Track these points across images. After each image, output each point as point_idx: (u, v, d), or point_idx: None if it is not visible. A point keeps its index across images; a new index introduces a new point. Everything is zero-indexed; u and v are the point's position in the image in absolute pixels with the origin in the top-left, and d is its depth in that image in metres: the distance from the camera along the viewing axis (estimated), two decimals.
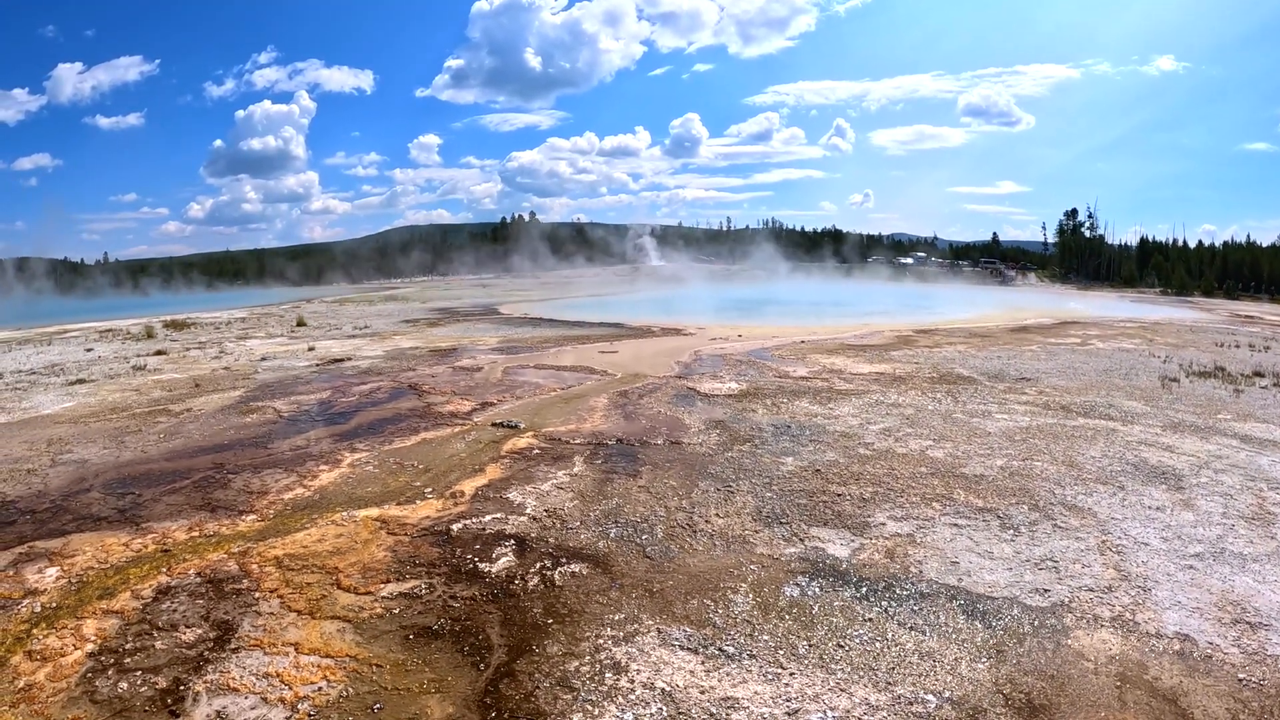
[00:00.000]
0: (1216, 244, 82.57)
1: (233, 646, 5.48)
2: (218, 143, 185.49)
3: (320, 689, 4.95)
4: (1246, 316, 40.14)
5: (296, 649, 5.42)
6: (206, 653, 5.40)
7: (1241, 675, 5.31)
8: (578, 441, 10.70)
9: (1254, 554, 7.21)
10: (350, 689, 4.95)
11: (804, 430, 11.32)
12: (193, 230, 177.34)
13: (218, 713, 4.73)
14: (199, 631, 5.69)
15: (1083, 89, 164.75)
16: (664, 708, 4.78)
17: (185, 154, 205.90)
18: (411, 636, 5.63)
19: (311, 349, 21.51)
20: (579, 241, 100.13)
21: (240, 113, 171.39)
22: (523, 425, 11.56)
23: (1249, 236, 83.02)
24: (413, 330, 27.05)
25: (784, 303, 42.38)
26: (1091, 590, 6.47)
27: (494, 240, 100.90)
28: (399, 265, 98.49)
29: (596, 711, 4.73)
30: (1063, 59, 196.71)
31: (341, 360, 19.11)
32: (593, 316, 31.72)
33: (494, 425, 11.59)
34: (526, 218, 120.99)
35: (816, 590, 6.42)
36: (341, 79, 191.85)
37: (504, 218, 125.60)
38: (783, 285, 64.50)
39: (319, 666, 5.20)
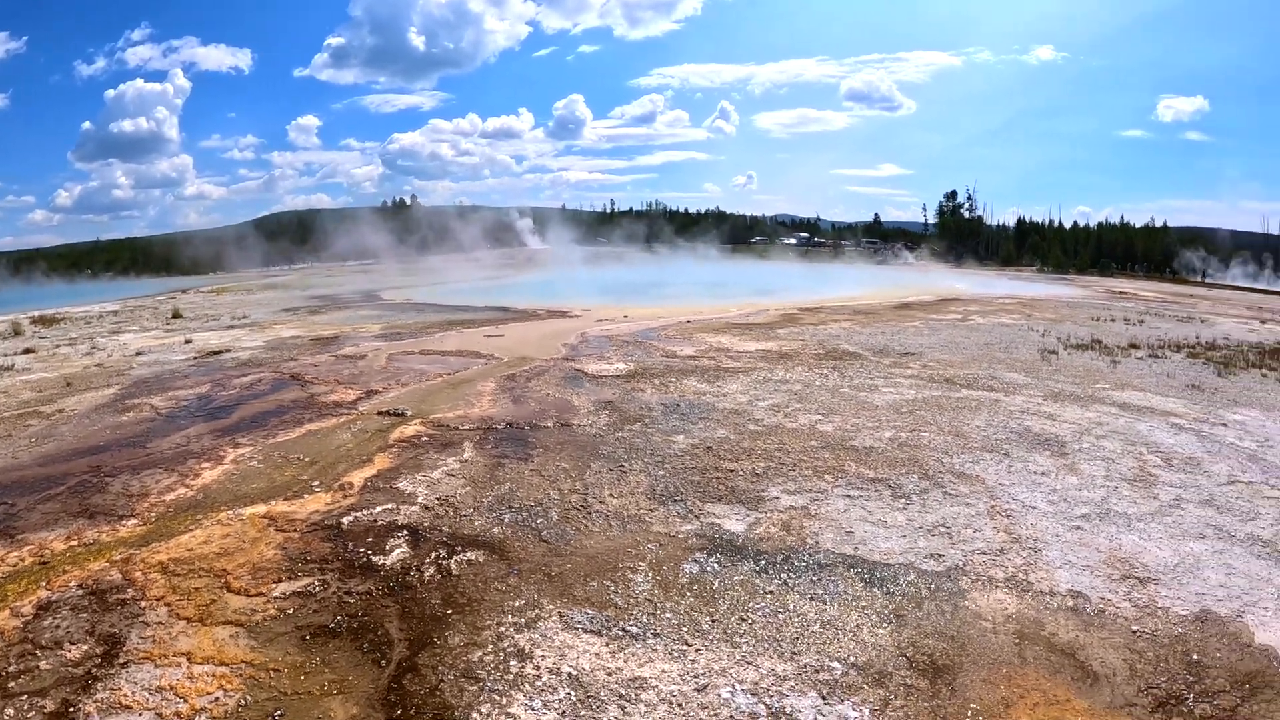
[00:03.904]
0: (1092, 225, 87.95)
1: (122, 661, 5.33)
2: (87, 125, 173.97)
3: (217, 699, 4.89)
4: (1121, 292, 42.68)
5: (189, 659, 5.32)
6: (95, 670, 5.24)
7: (1135, 627, 5.82)
8: (467, 427, 10.70)
9: (1138, 513, 7.85)
10: (248, 697, 4.91)
11: (694, 408, 11.60)
12: (61, 219, 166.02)
13: None
14: (85, 648, 5.51)
15: (964, 76, 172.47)
16: (571, 692, 4.91)
17: (53, 138, 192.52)
18: (308, 637, 5.60)
19: (188, 341, 20.75)
20: (463, 225, 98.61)
21: (110, 93, 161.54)
22: (410, 413, 11.48)
23: (1123, 218, 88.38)
24: (293, 319, 26.37)
25: (670, 284, 42.78)
26: (984, 553, 6.93)
27: (376, 225, 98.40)
28: (278, 252, 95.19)
29: (504, 701, 4.83)
30: (944, 47, 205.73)
31: (220, 352, 18.52)
32: (477, 300, 31.49)
33: (380, 414, 11.48)
34: (409, 201, 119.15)
35: (716, 566, 6.67)
36: (218, 57, 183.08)
37: (385, 201, 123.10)
38: (668, 267, 65.08)
39: (214, 675, 5.13)
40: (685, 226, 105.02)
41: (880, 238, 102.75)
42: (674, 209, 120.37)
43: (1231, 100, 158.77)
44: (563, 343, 18.65)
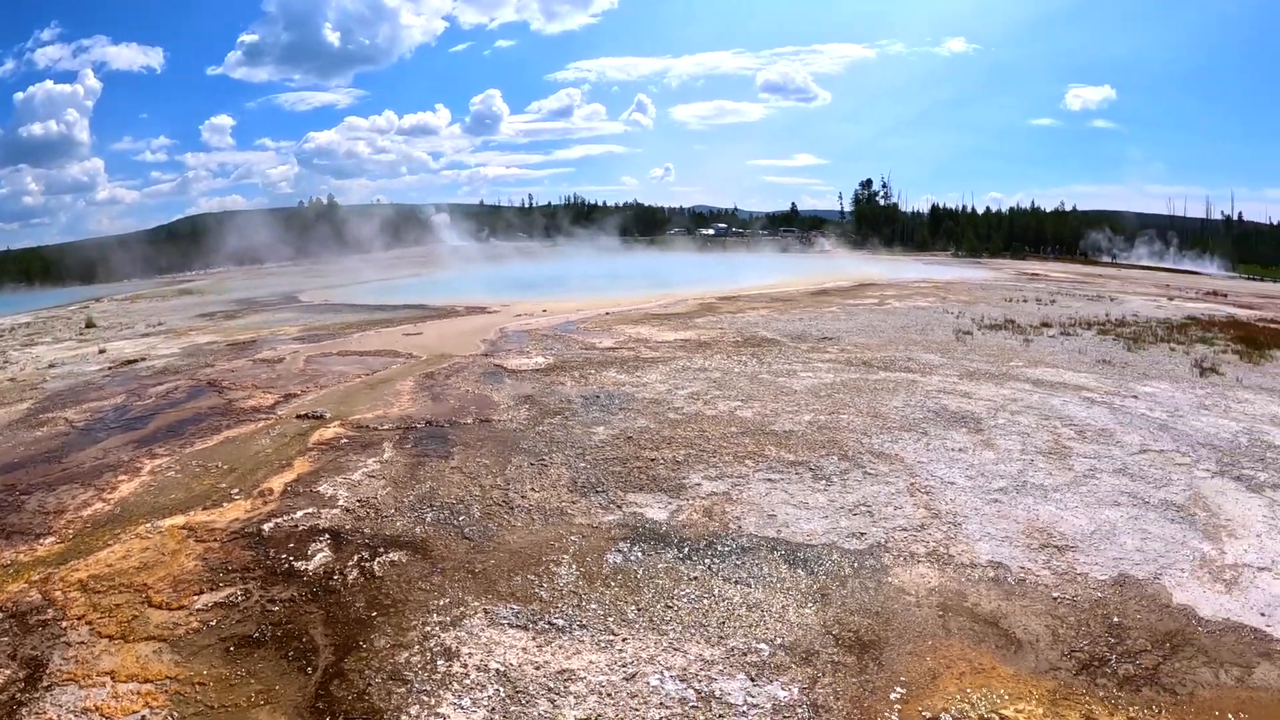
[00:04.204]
0: (1004, 210, 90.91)
1: (45, 684, 5.11)
2: None
3: (143, 717, 4.73)
4: (1032, 274, 43.96)
5: (113, 677, 5.13)
6: (19, 695, 5.01)
7: (1056, 594, 6.00)
8: (386, 427, 10.53)
9: (1054, 484, 8.09)
10: (174, 713, 4.76)
11: (613, 399, 11.59)
12: None
13: None
14: (7, 673, 5.26)
15: (878, 68, 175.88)
16: (501, 688, 4.87)
17: None
18: (233, 648, 5.45)
19: (103, 351, 19.99)
20: (381, 224, 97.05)
21: (20, 95, 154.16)
22: (329, 415, 11.25)
23: (1033, 203, 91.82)
24: (210, 324, 25.63)
25: (588, 277, 42.77)
26: (905, 530, 7.06)
27: (292, 226, 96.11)
28: (194, 256, 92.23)
29: (433, 701, 4.77)
30: (859, 39, 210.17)
31: (136, 361, 17.89)
32: (396, 299, 31.05)
33: (299, 417, 11.23)
34: (325, 201, 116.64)
35: (639, 555, 6.67)
36: (130, 57, 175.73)
37: (301, 201, 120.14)
38: (586, 260, 65.04)
39: (139, 693, 4.95)
40: (604, 220, 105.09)
41: (797, 226, 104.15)
42: (592, 202, 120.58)
43: (1137, 89, 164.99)
44: (482, 339, 18.49)
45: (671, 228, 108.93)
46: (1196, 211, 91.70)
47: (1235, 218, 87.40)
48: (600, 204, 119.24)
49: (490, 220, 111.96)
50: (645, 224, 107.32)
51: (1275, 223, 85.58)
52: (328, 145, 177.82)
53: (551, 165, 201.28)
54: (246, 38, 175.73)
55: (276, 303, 33.55)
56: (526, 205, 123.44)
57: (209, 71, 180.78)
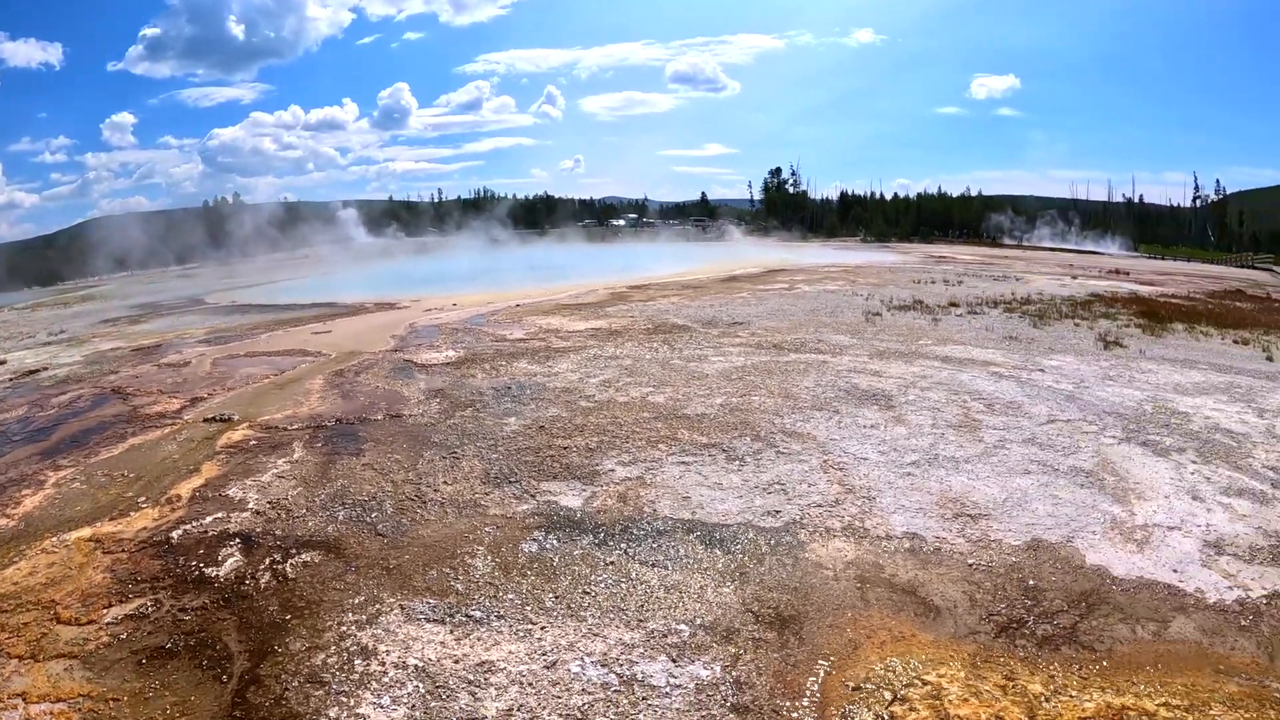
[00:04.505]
0: (912, 196, 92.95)
1: None
2: None
3: None
4: (940, 257, 45.01)
5: (25, 699, 4.89)
6: None
7: (971, 561, 6.14)
8: (296, 427, 10.28)
9: (965, 456, 8.28)
10: None
11: (525, 390, 11.50)
12: None
13: None
14: None
15: (787, 58, 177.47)
16: (420, 685, 4.80)
17: None
18: (145, 661, 5.24)
19: (2, 362, 19.13)
20: (287, 222, 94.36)
21: None
22: (237, 417, 10.92)
23: (940, 189, 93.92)
24: (114, 330, 24.64)
25: (499, 270, 42.37)
26: (820, 506, 7.15)
27: (198, 226, 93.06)
28: (97, 261, 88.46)
29: (352, 702, 4.67)
30: (768, 30, 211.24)
31: (37, 371, 17.10)
32: (304, 298, 30.28)
33: (206, 421, 10.87)
34: (231, 200, 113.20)
35: (555, 542, 6.63)
36: (28, 53, 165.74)
37: (206, 201, 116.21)
38: (498, 253, 64.47)
39: (51, 714, 4.74)
40: (515, 212, 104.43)
41: (708, 215, 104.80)
42: (503, 195, 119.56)
43: (1040, 78, 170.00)
44: (391, 334, 18.20)
45: (584, 219, 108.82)
46: (1099, 195, 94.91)
47: (1136, 200, 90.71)
48: (511, 196, 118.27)
49: (399, 215, 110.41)
50: (558, 216, 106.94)
51: (1175, 204, 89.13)
52: (232, 142, 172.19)
53: (461, 159, 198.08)
54: (148, 31, 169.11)
55: (182, 305, 32.55)
56: (436, 200, 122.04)
57: (110, 67, 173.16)
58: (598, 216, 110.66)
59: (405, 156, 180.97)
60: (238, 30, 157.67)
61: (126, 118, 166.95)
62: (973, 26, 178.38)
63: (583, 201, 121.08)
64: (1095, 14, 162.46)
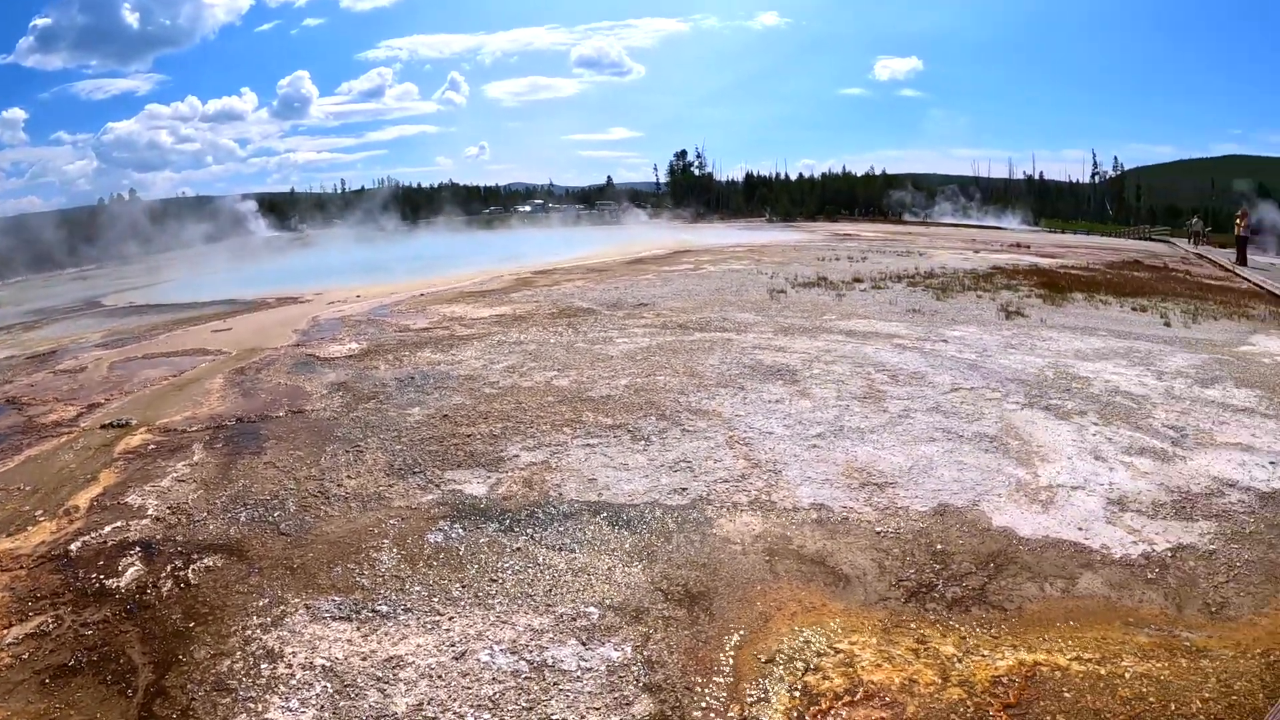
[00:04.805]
0: (816, 176, 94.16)
1: None
2: None
3: None
4: (845, 234, 45.79)
5: None
6: None
7: (878, 529, 6.24)
8: (195, 428, 9.96)
9: (870, 426, 8.41)
10: None
11: (428, 379, 11.36)
12: None
13: None
14: None
15: (691, 41, 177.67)
16: (328, 685, 4.69)
17: None
18: (48, 680, 5.00)
19: None
20: (186, 217, 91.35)
21: None
22: (135, 421, 10.53)
23: (845, 168, 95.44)
24: (7, 338, 23.50)
25: (405, 259, 41.79)
26: (727, 481, 7.19)
27: (93, 226, 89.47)
28: None
29: (259, 708, 4.53)
30: (672, 13, 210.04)
31: None
32: (204, 296, 29.34)
33: (104, 427, 10.46)
34: (127, 196, 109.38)
35: (460, 532, 6.55)
36: None
37: (102, 199, 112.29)
38: (404, 243, 63.40)
39: None
40: (419, 201, 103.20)
41: (614, 199, 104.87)
42: (407, 184, 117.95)
43: (943, 59, 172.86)
44: (294, 329, 17.81)
45: (488, 206, 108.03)
46: (1000, 172, 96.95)
47: (1037, 177, 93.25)
48: (416, 185, 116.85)
49: (302, 207, 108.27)
50: (461, 203, 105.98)
51: (1074, 180, 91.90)
52: (128, 136, 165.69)
53: (364, 148, 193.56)
54: (39, 22, 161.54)
55: (79, 308, 31.41)
56: (340, 190, 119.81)
57: None
58: (503, 203, 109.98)
59: (307, 147, 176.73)
60: (132, 19, 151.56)
61: (17, 113, 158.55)
62: (876, 9, 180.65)
63: (489, 188, 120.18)
64: None
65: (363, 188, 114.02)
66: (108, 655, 5.25)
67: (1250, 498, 6.76)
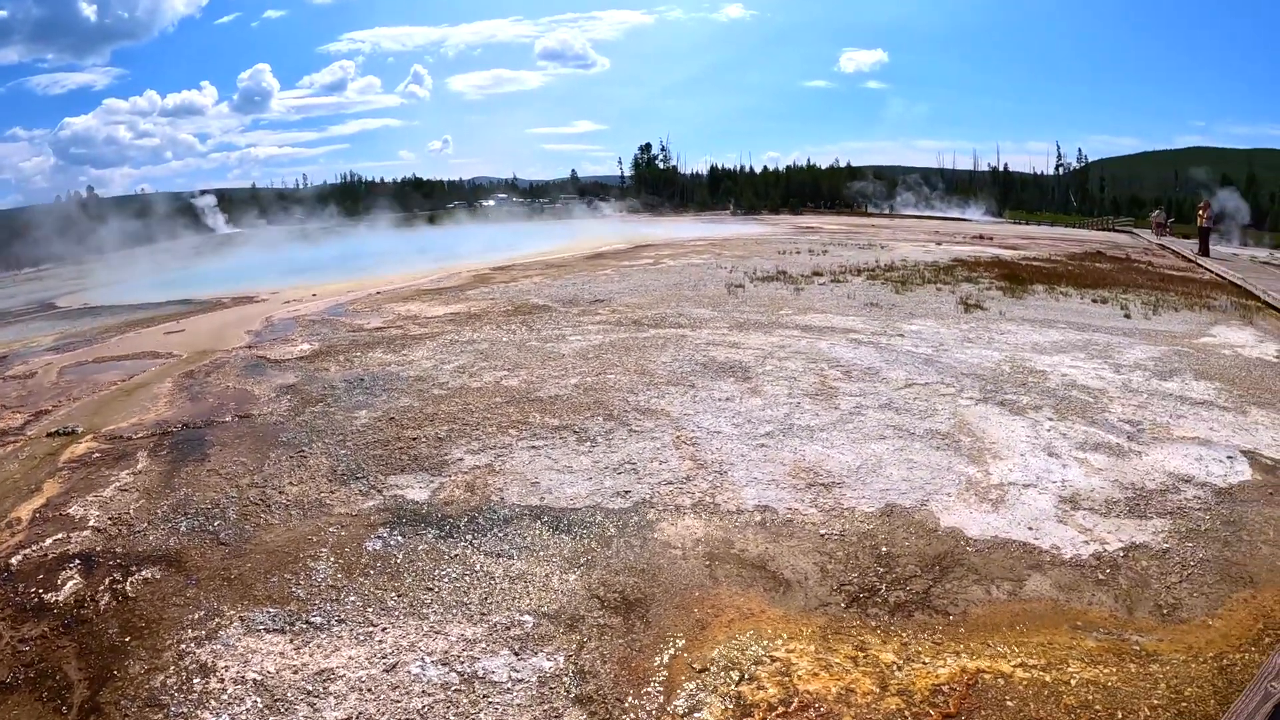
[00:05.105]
0: (781, 168, 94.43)
1: None
2: None
3: None
4: (808, 227, 45.87)
5: None
6: None
7: (823, 531, 6.19)
8: (141, 435, 9.74)
9: (820, 424, 8.37)
10: None
11: (378, 380, 11.21)
12: None
13: None
14: None
15: (656, 33, 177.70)
16: (259, 699, 4.60)
17: None
18: None
19: None
20: (144, 215, 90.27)
21: None
22: (81, 429, 10.29)
23: (809, 160, 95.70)
24: None
25: (364, 256, 41.47)
26: (670, 483, 7.12)
27: (49, 224, 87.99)
28: None
29: None
30: (636, 5, 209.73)
31: None
32: (159, 295, 28.90)
33: (50, 435, 10.21)
34: (84, 194, 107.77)
35: (399, 539, 6.44)
36: None
37: (58, 196, 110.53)
38: (365, 239, 63.04)
39: None
40: (381, 196, 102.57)
41: (577, 193, 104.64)
42: (370, 179, 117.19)
43: (908, 52, 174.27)
44: (247, 330, 17.56)
45: (451, 200, 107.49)
46: (965, 164, 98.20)
47: (1001, 168, 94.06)
48: (379, 180, 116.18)
49: (264, 203, 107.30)
50: (423, 198, 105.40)
51: (1038, 172, 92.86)
52: (85, 132, 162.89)
53: (326, 142, 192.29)
54: None
55: (32, 311, 30.89)
56: (301, 185, 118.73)
57: None
58: (467, 198, 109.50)
59: (268, 141, 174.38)
60: (89, 11, 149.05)
61: None
62: (841, 1, 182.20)
63: (452, 182, 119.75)
64: None
65: (326, 182, 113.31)
66: (44, 672, 5.15)
67: (1206, 494, 6.79)
